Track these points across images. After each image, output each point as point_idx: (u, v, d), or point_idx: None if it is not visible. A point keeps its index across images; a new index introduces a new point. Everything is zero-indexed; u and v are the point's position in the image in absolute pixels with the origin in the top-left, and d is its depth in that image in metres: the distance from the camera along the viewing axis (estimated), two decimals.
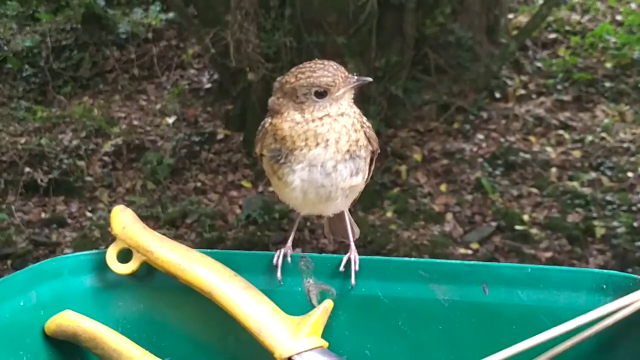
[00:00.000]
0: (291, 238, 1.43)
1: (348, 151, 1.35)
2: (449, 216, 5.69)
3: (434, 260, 1.35)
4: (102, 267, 1.38)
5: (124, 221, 1.37)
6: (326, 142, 1.33)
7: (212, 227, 5.70)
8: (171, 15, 7.98)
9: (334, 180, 1.36)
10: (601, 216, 5.51)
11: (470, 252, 5.30)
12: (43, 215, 6.13)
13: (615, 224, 5.39)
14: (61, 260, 1.38)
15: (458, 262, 1.34)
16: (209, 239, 5.53)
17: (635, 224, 5.34)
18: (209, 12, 6.68)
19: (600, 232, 5.35)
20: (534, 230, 5.45)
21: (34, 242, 5.75)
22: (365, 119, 1.40)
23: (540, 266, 1.31)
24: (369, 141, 1.39)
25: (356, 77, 1.36)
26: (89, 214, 6.11)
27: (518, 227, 5.46)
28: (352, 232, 1.51)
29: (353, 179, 1.37)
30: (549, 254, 5.19)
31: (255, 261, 1.39)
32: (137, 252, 1.35)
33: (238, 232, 5.65)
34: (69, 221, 6.07)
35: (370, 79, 1.39)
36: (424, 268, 1.34)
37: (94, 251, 1.40)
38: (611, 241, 5.26)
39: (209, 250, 1.38)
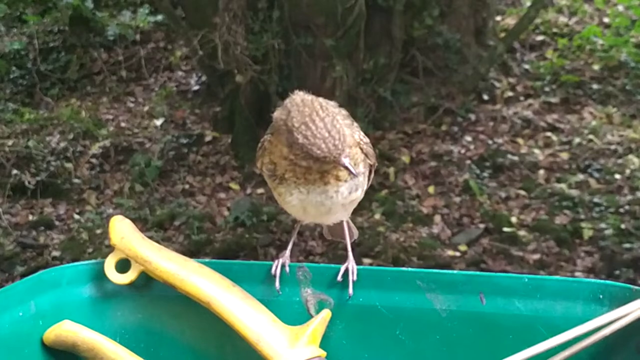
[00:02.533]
0: (289, 247, 1.44)
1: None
2: (437, 218, 5.70)
3: (431, 270, 1.36)
4: (100, 276, 1.38)
5: (123, 231, 1.37)
6: (324, 181, 1.35)
7: (199, 229, 5.68)
8: (159, 17, 7.96)
9: (334, 200, 1.38)
10: (589, 218, 5.52)
11: (458, 253, 5.30)
12: (30, 217, 6.11)
13: (603, 225, 5.40)
14: (59, 270, 1.39)
15: (455, 271, 1.35)
16: (196, 241, 5.52)
17: (623, 226, 5.36)
18: (197, 14, 6.67)
19: (587, 233, 5.36)
20: (522, 232, 5.45)
21: (21, 244, 5.73)
22: (362, 135, 1.40)
23: (537, 276, 1.32)
24: (367, 156, 1.41)
25: (344, 164, 1.30)
26: (76, 216, 6.09)
27: (506, 229, 5.46)
28: (350, 234, 1.54)
29: (352, 194, 1.39)
30: (536, 256, 5.20)
31: (254, 271, 1.40)
32: (135, 261, 1.35)
33: (226, 234, 5.64)
34: (57, 223, 6.04)
35: (355, 176, 1.35)
36: (421, 278, 1.35)
37: (92, 261, 1.41)
38: (599, 243, 5.27)
39: (207, 260, 1.38)
